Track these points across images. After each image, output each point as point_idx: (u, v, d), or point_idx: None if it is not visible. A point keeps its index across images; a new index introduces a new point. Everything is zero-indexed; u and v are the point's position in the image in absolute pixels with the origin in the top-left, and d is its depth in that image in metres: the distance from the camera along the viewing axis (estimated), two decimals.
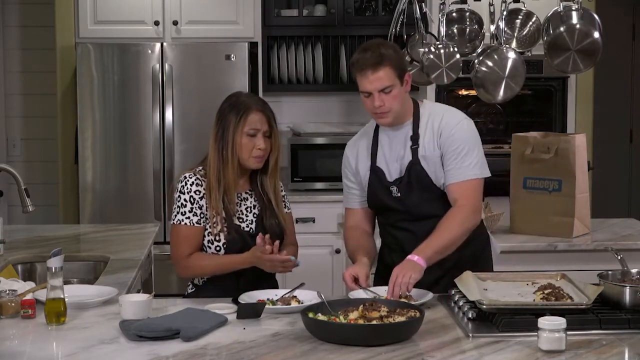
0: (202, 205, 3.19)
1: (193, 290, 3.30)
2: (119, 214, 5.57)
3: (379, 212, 3.35)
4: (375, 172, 3.27)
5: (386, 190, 3.26)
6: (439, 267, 3.18)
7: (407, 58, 4.63)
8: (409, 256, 3.04)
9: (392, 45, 3.25)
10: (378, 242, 3.43)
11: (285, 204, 3.36)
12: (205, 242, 3.21)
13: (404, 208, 3.25)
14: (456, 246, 3.17)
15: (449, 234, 3.13)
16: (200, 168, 3.24)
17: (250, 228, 3.23)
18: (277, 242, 3.12)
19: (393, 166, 3.25)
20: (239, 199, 3.24)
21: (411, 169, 3.21)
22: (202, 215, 3.19)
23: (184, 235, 3.20)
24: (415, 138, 3.22)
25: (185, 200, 3.19)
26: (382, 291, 3.02)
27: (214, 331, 2.67)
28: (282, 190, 3.35)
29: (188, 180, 3.20)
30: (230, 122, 3.18)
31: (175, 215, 3.20)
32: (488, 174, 3.27)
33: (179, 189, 3.21)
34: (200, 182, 3.20)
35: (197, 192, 3.19)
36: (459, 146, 3.19)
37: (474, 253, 3.30)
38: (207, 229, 3.20)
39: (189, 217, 3.19)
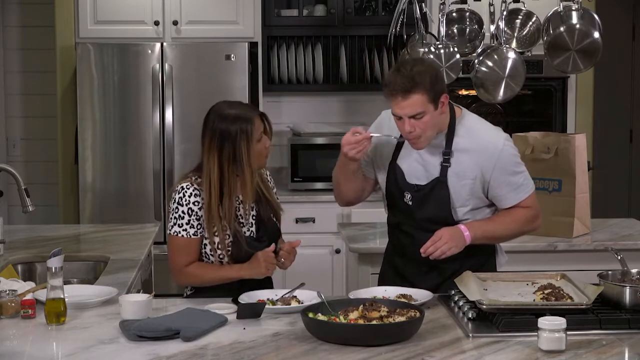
0: (201, 216, 3.15)
1: (192, 291, 3.28)
2: (119, 214, 5.57)
3: (390, 206, 3.30)
4: (394, 170, 3.20)
5: (400, 193, 3.20)
6: (439, 275, 3.18)
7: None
8: (462, 227, 3.06)
9: (428, 65, 3.10)
10: (385, 241, 3.43)
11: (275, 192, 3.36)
12: (208, 251, 3.18)
13: (410, 214, 3.20)
14: (504, 241, 3.24)
15: (505, 229, 3.17)
16: (197, 177, 3.18)
17: (252, 231, 3.22)
18: (272, 245, 3.16)
19: (415, 170, 3.16)
20: (237, 202, 3.19)
21: (435, 185, 3.13)
22: (199, 226, 3.16)
23: (180, 246, 3.17)
24: (447, 155, 3.12)
25: (183, 212, 3.14)
26: (381, 291, 3.02)
27: (214, 331, 2.67)
28: (270, 180, 3.33)
29: (186, 191, 3.15)
30: (241, 139, 3.10)
31: (172, 226, 3.16)
32: (533, 183, 3.25)
33: (177, 200, 3.15)
34: (198, 192, 3.15)
35: (196, 203, 3.14)
36: (510, 169, 3.14)
37: (476, 264, 3.22)
38: (206, 238, 3.17)
39: (185, 229, 3.15)
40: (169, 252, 3.21)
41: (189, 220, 3.15)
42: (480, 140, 3.14)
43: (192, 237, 3.16)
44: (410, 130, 3.01)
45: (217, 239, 3.15)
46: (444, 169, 3.12)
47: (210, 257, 3.18)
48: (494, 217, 3.20)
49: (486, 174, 3.12)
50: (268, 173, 3.34)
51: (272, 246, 3.15)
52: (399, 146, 3.21)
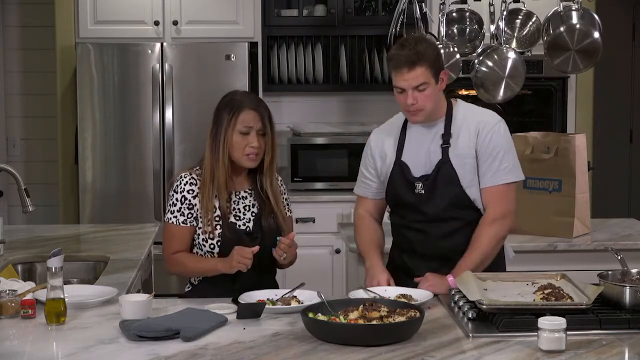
0: (195, 205, 3.20)
1: (190, 289, 3.31)
2: (119, 214, 5.58)
3: (394, 210, 3.33)
4: (400, 166, 3.24)
5: (409, 186, 3.22)
6: (451, 269, 3.17)
7: None
8: (448, 276, 3.09)
9: (430, 42, 3.22)
10: (389, 242, 3.42)
11: (286, 206, 3.34)
12: (200, 241, 3.21)
13: (423, 207, 3.22)
14: (492, 257, 3.22)
15: (480, 253, 3.16)
16: (197, 167, 3.25)
17: (248, 227, 3.22)
18: (256, 247, 3.10)
19: (420, 162, 3.22)
20: (237, 197, 3.23)
21: (440, 167, 3.18)
22: (190, 215, 3.20)
23: (171, 233, 3.24)
24: (446, 137, 3.19)
25: (176, 199, 3.22)
26: (382, 291, 3.03)
27: (214, 331, 2.67)
28: (284, 192, 3.35)
29: (182, 180, 3.23)
30: (223, 120, 3.19)
31: (166, 213, 3.26)
32: (522, 177, 3.27)
33: (173, 188, 3.24)
34: (194, 182, 3.21)
35: (190, 192, 3.20)
36: (495, 149, 3.18)
37: None
38: (200, 227, 3.20)
39: (176, 217, 3.21)
40: (162, 238, 3.29)
41: (180, 208, 3.21)
42: (476, 119, 3.22)
43: (182, 225, 3.21)
44: (412, 103, 3.12)
45: (208, 228, 3.17)
46: (445, 150, 3.19)
47: (203, 247, 3.20)
48: (468, 249, 3.18)
49: (477, 149, 3.18)
50: (285, 190, 3.36)
51: (256, 248, 3.10)
52: (400, 145, 3.25)
